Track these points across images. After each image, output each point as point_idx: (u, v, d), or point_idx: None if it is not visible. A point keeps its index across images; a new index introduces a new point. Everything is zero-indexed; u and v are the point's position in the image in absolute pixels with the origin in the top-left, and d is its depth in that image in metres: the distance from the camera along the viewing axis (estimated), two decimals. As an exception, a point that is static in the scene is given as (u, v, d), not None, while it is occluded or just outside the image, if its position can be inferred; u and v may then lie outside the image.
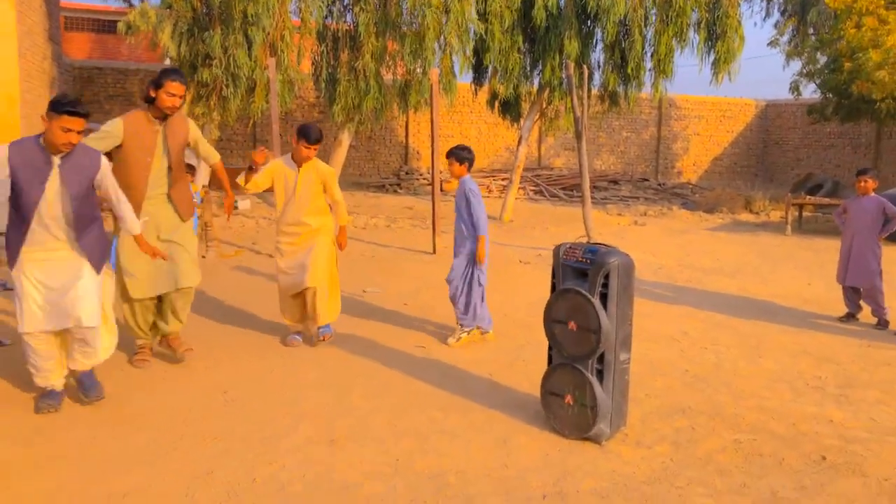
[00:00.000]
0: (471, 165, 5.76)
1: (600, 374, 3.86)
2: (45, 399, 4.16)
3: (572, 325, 3.87)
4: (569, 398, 3.90)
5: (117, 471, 3.44)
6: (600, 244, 4.00)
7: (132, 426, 3.99)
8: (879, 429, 4.25)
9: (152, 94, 4.66)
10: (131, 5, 12.08)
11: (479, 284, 5.69)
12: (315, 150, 5.36)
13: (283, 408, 4.33)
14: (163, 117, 4.75)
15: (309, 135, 5.28)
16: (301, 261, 5.45)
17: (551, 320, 4.00)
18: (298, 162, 5.39)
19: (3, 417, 4.06)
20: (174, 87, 4.61)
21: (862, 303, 6.95)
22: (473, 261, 5.66)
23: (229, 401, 4.41)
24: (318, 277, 5.41)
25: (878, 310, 6.77)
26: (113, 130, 4.64)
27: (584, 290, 3.82)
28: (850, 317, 6.94)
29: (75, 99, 3.93)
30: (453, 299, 5.74)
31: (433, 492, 3.33)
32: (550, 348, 4.12)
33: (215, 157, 5.19)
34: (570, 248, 4.00)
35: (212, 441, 3.80)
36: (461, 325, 5.77)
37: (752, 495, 3.39)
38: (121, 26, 11.15)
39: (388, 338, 5.87)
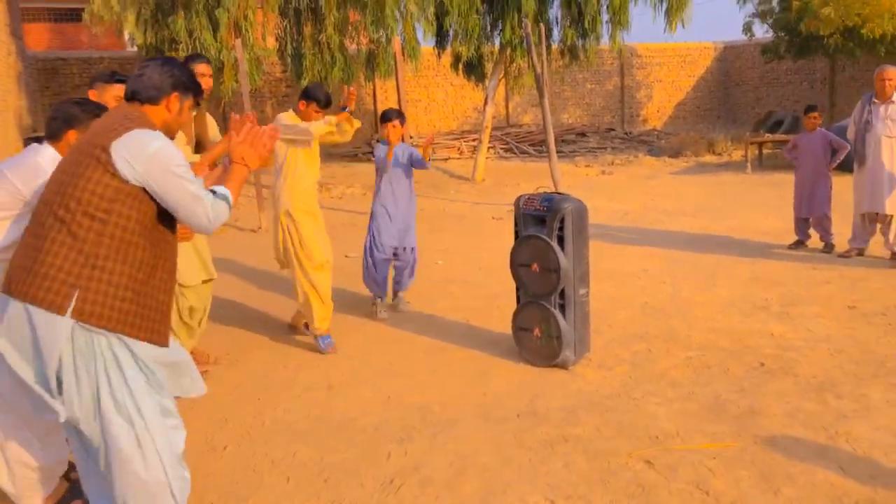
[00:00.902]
0: None
1: (562, 308, 4.33)
2: None
3: (535, 266, 4.33)
4: (536, 331, 4.38)
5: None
6: (555, 193, 4.44)
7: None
8: (813, 338, 4.78)
9: None
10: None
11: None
12: (323, 114, 4.97)
13: (281, 361, 4.77)
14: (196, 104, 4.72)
15: (319, 98, 4.87)
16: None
17: (516, 264, 4.46)
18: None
19: None
20: (202, 68, 4.47)
21: (810, 232, 7.47)
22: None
23: (233, 361, 4.84)
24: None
25: (826, 235, 7.30)
26: None
27: (543, 235, 4.27)
28: (800, 244, 7.47)
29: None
30: (402, 270, 5.78)
31: (420, 419, 3.81)
32: (518, 289, 4.58)
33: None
34: (529, 198, 4.44)
35: (224, 394, 4.24)
36: (402, 293, 5.92)
37: (698, 400, 3.90)
38: (85, 16, 11.29)
39: (368, 293, 6.30)
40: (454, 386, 4.24)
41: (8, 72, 13.63)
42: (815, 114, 7.38)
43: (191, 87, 2.58)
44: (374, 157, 5.82)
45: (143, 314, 2.36)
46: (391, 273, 5.84)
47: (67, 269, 2.24)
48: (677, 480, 3.09)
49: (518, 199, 4.51)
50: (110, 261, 2.28)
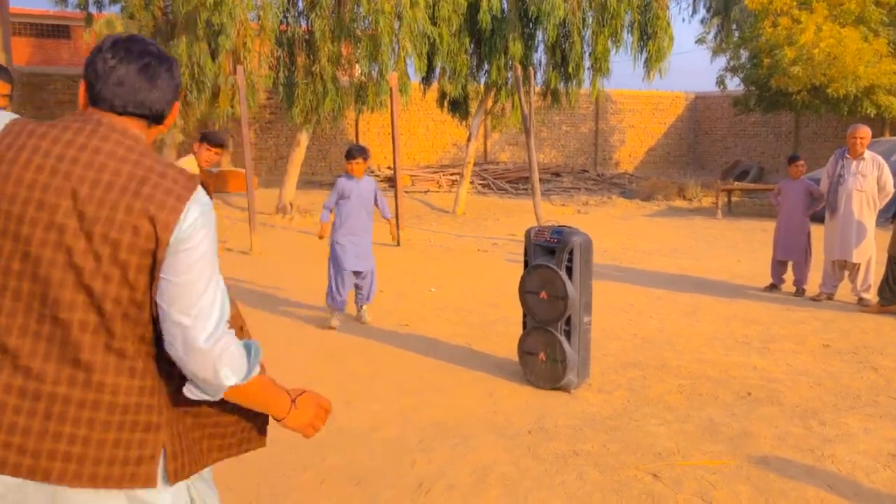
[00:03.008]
0: None
1: (568, 334, 4.62)
2: None
3: (543, 294, 4.63)
4: (542, 355, 4.66)
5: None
6: (564, 226, 4.76)
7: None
8: (793, 371, 5.14)
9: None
10: (89, 14, 12.29)
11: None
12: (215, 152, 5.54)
13: (294, 377, 4.96)
14: None
15: (212, 140, 5.50)
16: None
17: (525, 291, 4.75)
18: None
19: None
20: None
21: (785, 276, 7.90)
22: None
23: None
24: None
25: (800, 280, 7.74)
26: None
27: (552, 265, 4.58)
28: (773, 287, 7.91)
29: None
30: (361, 287, 6.38)
31: (437, 432, 4.04)
32: (525, 315, 4.87)
33: None
34: (539, 230, 4.76)
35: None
36: (365, 306, 6.49)
37: (694, 422, 4.21)
38: (86, 36, 11.44)
39: (372, 319, 6.52)
40: (464, 403, 4.49)
41: (-2, 85, 13.66)
42: (800, 162, 7.87)
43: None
44: (337, 188, 6.30)
45: None
46: (352, 292, 6.43)
47: None
48: (683, 492, 3.37)
49: (528, 230, 4.83)
50: None
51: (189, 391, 1.56)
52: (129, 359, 1.51)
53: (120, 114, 1.54)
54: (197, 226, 1.50)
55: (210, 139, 5.43)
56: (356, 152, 6.25)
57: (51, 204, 1.43)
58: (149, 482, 1.50)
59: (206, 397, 1.56)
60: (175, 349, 1.50)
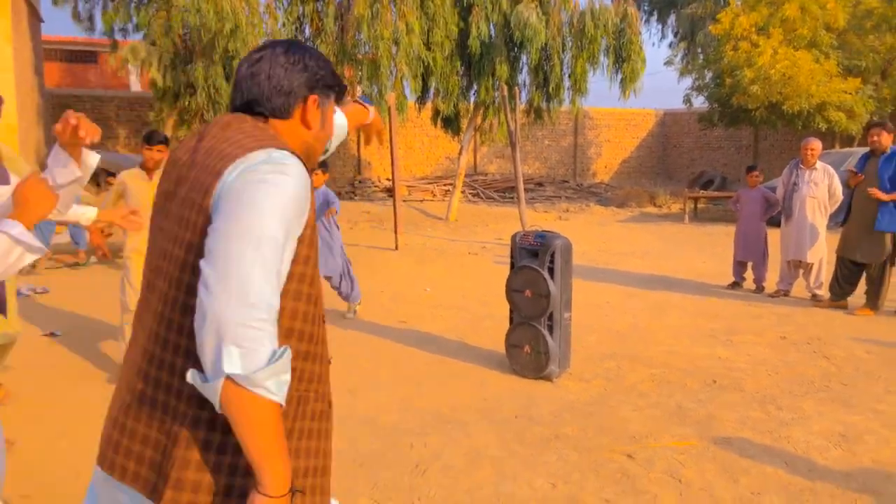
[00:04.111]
0: None
1: (550, 328, 4.64)
2: None
3: (528, 292, 4.64)
4: (527, 348, 4.67)
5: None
6: (547, 231, 4.78)
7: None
8: (754, 361, 5.17)
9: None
10: (114, 41, 12.26)
11: (350, 267, 6.48)
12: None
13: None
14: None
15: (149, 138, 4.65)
16: None
17: (512, 290, 4.77)
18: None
19: (80, 388, 4.55)
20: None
21: (746, 275, 7.94)
22: (343, 253, 6.40)
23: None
24: None
25: (759, 278, 7.78)
26: None
27: (536, 266, 4.60)
28: (735, 285, 7.94)
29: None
30: (338, 288, 6.38)
31: (433, 418, 4.05)
32: (511, 311, 4.88)
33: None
34: (524, 235, 4.78)
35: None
36: (354, 302, 6.51)
37: (664, 408, 4.22)
38: (111, 61, 11.41)
39: (373, 315, 6.53)
40: (458, 392, 4.49)
41: (32, 106, 13.63)
42: (757, 172, 7.91)
43: (333, 83, 1.52)
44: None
45: None
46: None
47: None
48: (655, 470, 3.39)
49: (514, 235, 4.85)
50: None
51: (190, 375, 1.19)
52: None
53: (241, 111, 1.45)
54: (242, 181, 1.23)
55: (150, 139, 4.61)
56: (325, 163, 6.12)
57: None
58: None
59: (203, 391, 1.18)
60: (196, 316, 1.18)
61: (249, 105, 1.43)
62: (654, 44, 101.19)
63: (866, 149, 6.87)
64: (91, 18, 13.14)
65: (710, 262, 9.71)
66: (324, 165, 6.15)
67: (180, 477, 1.25)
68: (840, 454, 3.58)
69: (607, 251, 10.78)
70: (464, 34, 13.43)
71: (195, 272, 1.22)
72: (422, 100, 15.56)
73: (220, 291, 1.14)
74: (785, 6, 15.27)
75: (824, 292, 7.11)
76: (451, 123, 15.51)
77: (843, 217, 6.84)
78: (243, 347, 1.13)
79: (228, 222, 1.20)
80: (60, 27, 33.88)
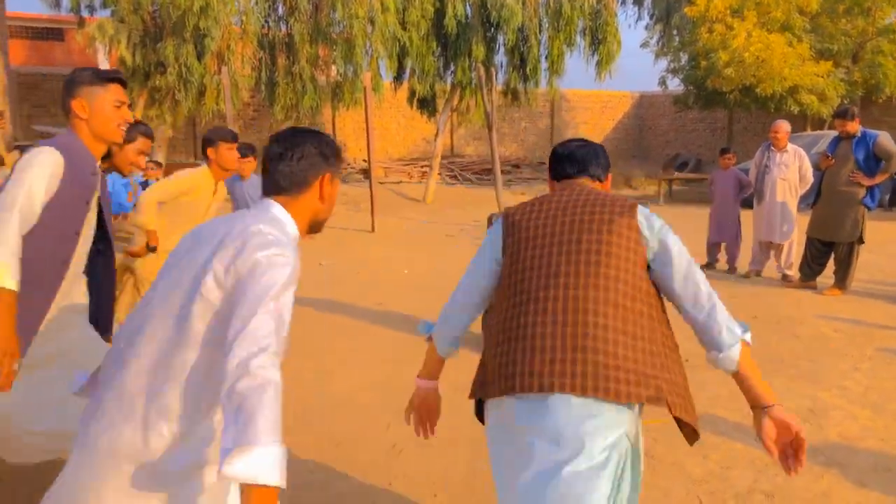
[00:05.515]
0: None
1: (526, 309, 4.68)
2: None
3: (504, 273, 4.67)
4: (504, 328, 4.71)
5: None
6: (522, 212, 4.81)
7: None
8: (726, 340, 5.27)
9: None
10: (81, 18, 11.97)
11: None
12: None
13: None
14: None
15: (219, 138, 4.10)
16: None
17: (488, 271, 4.79)
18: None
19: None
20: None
21: (718, 256, 8.07)
22: None
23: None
24: None
25: (732, 259, 7.90)
26: None
27: (512, 247, 4.63)
28: (709, 265, 8.07)
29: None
30: None
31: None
32: (488, 293, 4.90)
33: None
34: (499, 215, 4.80)
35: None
36: None
37: (637, 386, 4.29)
38: (79, 38, 11.15)
39: (350, 298, 6.54)
40: (434, 373, 4.52)
41: (-4, 84, 13.27)
42: (730, 155, 8.02)
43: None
44: (229, 190, 5.58)
45: None
46: None
47: None
48: (628, 447, 3.45)
49: (490, 216, 4.86)
50: None
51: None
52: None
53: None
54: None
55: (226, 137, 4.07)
56: (245, 151, 5.48)
57: None
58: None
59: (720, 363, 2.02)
60: None
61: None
62: (630, 26, 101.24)
63: (837, 132, 6.99)
64: (57, -6, 12.81)
65: (684, 242, 9.81)
66: (251, 149, 5.57)
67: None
68: (808, 429, 3.68)
69: (583, 233, 10.86)
70: (440, 14, 13.36)
71: None
72: (398, 80, 15.47)
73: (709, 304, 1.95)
74: (759, -11, 15.42)
75: (794, 272, 7.25)
76: (427, 104, 15.46)
77: (813, 198, 6.96)
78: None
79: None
80: (25, 3, 32.90)
